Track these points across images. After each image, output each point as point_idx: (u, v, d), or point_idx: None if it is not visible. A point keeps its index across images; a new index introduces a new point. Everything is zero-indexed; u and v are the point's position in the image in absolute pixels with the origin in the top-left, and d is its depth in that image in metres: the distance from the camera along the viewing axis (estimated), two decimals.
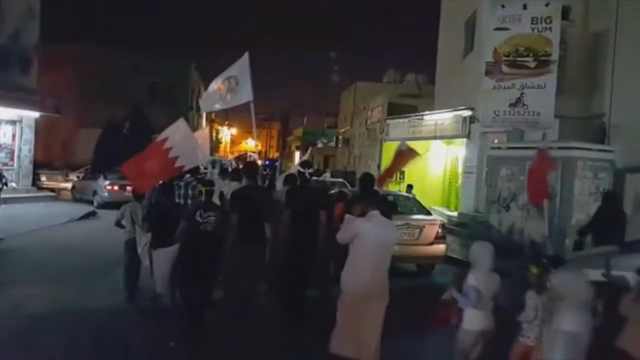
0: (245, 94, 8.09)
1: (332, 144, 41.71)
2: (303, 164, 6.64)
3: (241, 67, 8.26)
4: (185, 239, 5.54)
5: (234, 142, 79.81)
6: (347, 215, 4.77)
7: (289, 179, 6.96)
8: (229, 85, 8.27)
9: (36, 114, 17.26)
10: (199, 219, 5.49)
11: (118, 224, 6.78)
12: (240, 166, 10.79)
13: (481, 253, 4.09)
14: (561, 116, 11.69)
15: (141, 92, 28.99)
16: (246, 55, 8.30)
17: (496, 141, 12.35)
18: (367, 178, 6.67)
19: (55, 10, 21.57)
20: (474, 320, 3.98)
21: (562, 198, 8.91)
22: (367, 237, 4.31)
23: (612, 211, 7.50)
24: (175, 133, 6.59)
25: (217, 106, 8.65)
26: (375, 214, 4.47)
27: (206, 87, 10.51)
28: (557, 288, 3.38)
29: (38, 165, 19.25)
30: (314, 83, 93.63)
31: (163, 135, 6.60)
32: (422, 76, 29.34)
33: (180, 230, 5.55)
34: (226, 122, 67.76)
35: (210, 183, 6.15)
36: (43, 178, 19.76)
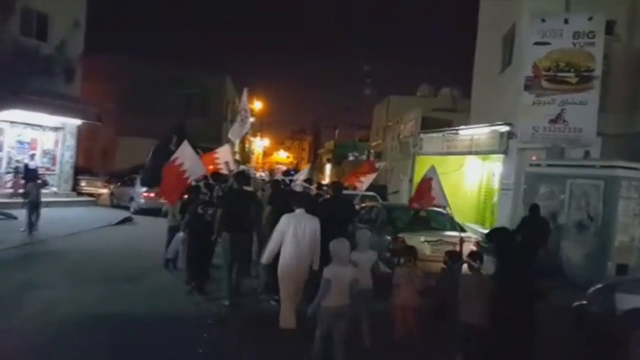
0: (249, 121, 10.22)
1: (364, 157, 41.58)
2: (306, 180, 9.15)
3: (245, 100, 10.48)
4: (190, 227, 7.70)
5: (265, 153, 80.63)
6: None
7: (274, 184, 8.93)
8: (242, 116, 10.46)
9: (78, 122, 17.84)
10: (200, 212, 7.57)
11: (164, 214, 9.20)
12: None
13: (338, 247, 4.85)
14: (603, 133, 11.31)
15: (177, 103, 29.52)
16: (245, 91, 10.75)
17: (534, 158, 12.02)
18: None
19: (98, 23, 22.39)
20: (329, 299, 4.73)
21: (604, 219, 8.53)
22: (289, 229, 5.89)
23: (535, 221, 9.15)
24: (184, 154, 8.26)
25: (238, 136, 10.87)
26: (299, 211, 6.12)
27: (240, 99, 12.38)
28: (331, 250, 4.86)
29: (78, 171, 19.87)
30: (347, 96, 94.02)
31: (174, 156, 8.32)
32: (457, 90, 28.96)
33: (185, 221, 7.94)
34: (258, 134, 68.59)
35: (211, 187, 8.40)
36: (83, 183, 20.35)
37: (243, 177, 7.91)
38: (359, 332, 5.45)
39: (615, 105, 11.91)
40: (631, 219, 8.55)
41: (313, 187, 11.26)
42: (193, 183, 8.37)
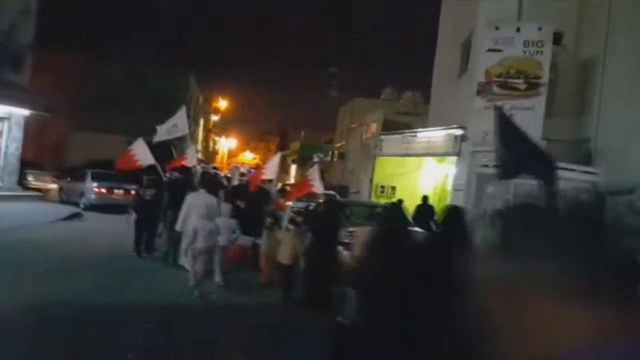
0: (181, 129, 12.32)
1: (328, 158, 41.78)
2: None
3: (180, 114, 12.41)
4: (133, 205, 10.27)
5: (231, 154, 79.79)
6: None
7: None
8: (169, 126, 12.55)
9: (26, 112, 16.99)
10: (142, 193, 10.23)
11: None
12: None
13: (204, 211, 7.97)
14: (549, 138, 11.71)
15: (140, 101, 28.97)
16: (184, 108, 12.89)
17: (485, 160, 12.35)
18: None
19: (55, 17, 21.68)
20: (196, 242, 7.40)
21: None
22: (193, 204, 8.32)
23: (425, 208, 12.83)
24: (137, 146, 11.29)
25: (163, 137, 12.53)
26: (201, 191, 8.77)
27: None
28: (201, 212, 7.89)
29: (28, 166, 19.05)
30: (314, 98, 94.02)
31: (130, 147, 11.49)
32: (419, 95, 29.41)
33: (132, 201, 10.81)
34: (224, 134, 67.92)
35: (154, 173, 11.10)
36: (30, 178, 19.46)
37: (185, 171, 11.25)
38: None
39: (560, 113, 12.37)
40: None
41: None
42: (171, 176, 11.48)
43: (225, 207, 8.50)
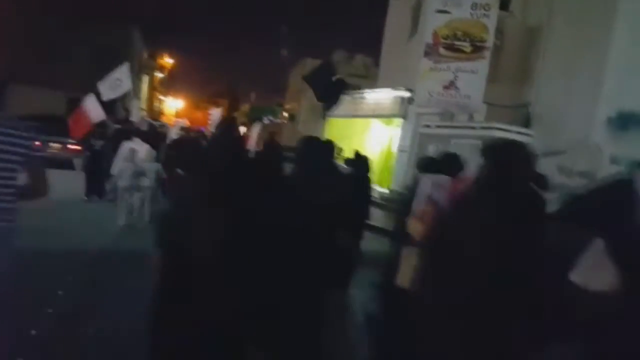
0: (125, 85, 12.55)
1: (279, 120, 41.49)
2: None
3: (123, 69, 12.62)
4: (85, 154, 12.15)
5: (179, 115, 77.40)
6: None
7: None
8: (112, 81, 12.70)
9: None
10: (92, 143, 11.51)
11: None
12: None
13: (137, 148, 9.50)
14: (490, 103, 12.10)
15: (80, 53, 27.59)
16: (127, 64, 13.00)
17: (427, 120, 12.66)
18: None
19: None
20: (120, 180, 8.96)
21: None
22: (127, 147, 9.57)
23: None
24: (87, 103, 11.32)
25: (110, 96, 12.60)
26: (136, 140, 10.03)
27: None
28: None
29: None
30: (267, 59, 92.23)
31: (81, 104, 11.38)
32: (370, 58, 29.48)
33: (83, 150, 12.31)
34: (171, 94, 65.70)
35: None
36: None
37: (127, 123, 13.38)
38: None
39: (504, 78, 12.75)
40: None
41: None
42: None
43: (148, 153, 9.59)
